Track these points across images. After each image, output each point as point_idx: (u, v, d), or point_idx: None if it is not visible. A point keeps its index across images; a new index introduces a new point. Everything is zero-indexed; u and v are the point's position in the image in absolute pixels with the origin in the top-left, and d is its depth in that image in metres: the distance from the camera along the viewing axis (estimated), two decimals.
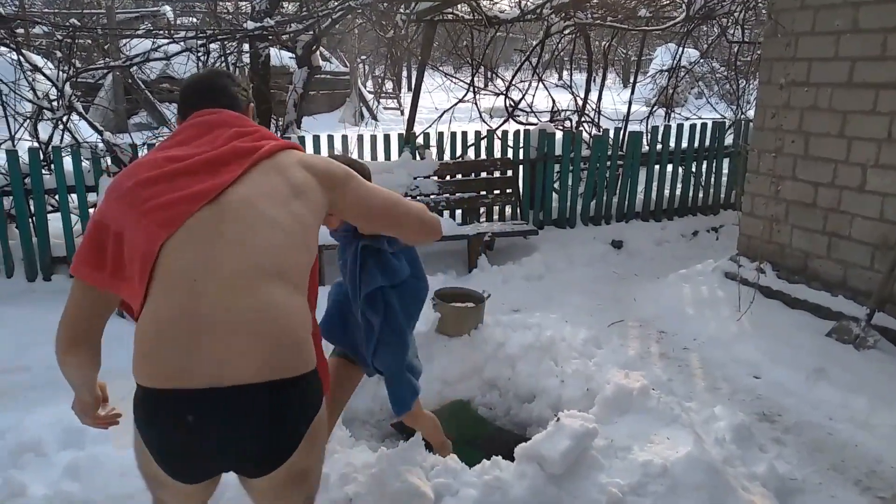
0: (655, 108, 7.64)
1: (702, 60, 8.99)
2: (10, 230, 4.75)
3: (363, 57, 16.47)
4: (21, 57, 4.65)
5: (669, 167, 6.55)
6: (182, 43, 4.85)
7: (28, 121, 4.98)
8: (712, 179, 6.73)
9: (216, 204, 1.49)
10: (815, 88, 4.22)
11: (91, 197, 4.81)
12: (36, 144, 4.83)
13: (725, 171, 6.82)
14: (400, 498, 2.21)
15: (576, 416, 2.45)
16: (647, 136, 6.60)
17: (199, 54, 4.93)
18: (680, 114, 8.37)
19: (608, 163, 6.16)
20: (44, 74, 4.83)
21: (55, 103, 4.80)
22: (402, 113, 16.51)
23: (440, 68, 7.28)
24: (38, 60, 5.04)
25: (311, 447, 1.52)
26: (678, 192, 6.62)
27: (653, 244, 6.03)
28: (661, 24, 6.59)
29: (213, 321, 1.38)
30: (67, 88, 4.68)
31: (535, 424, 3.12)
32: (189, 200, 1.48)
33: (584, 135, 6.36)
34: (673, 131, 6.46)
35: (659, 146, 6.42)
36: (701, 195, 6.72)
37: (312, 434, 1.51)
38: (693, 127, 6.57)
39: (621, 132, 6.42)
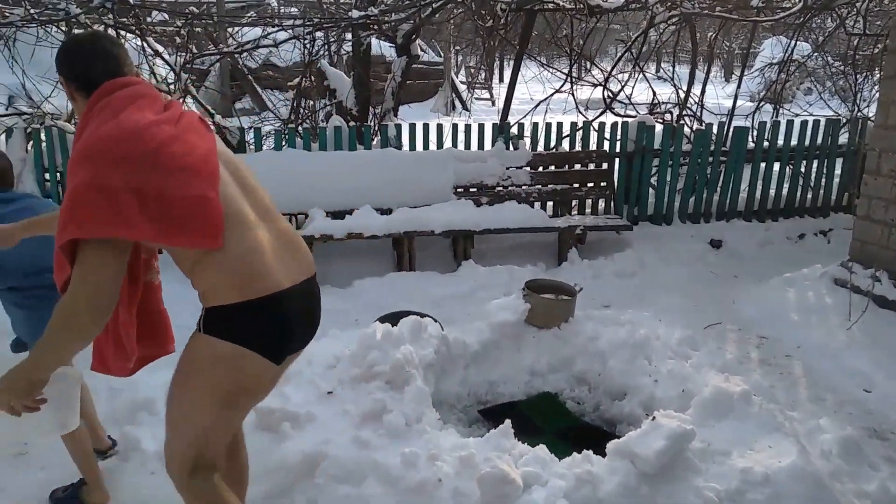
0: (762, 103, 7.26)
1: (815, 54, 8.47)
2: None
3: (457, 47, 16.52)
4: (145, 43, 4.97)
5: (776, 165, 6.22)
6: (290, 31, 5.04)
7: None
8: (822, 180, 6.34)
9: (220, 157, 1.75)
10: None
11: None
12: None
13: (838, 171, 6.41)
14: (489, 482, 2.22)
15: (672, 417, 2.38)
16: (753, 132, 6.28)
17: (306, 42, 5.10)
18: (789, 110, 7.91)
19: (710, 158, 5.92)
20: (164, 60, 5.14)
21: (172, 87, 5.09)
22: (493, 103, 16.46)
23: (537, 58, 7.20)
24: (158, 47, 5.35)
25: None
26: (784, 191, 6.27)
27: (755, 245, 5.75)
28: (774, 15, 6.24)
29: (289, 238, 1.83)
30: (183, 73, 4.96)
31: (626, 422, 3.06)
32: (211, 155, 1.71)
33: (686, 129, 6.13)
34: (782, 128, 6.13)
35: (766, 143, 6.10)
36: (809, 196, 6.35)
37: None
38: (804, 124, 6.20)
39: (725, 127, 6.15)
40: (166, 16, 6.26)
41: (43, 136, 4.81)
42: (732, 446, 2.46)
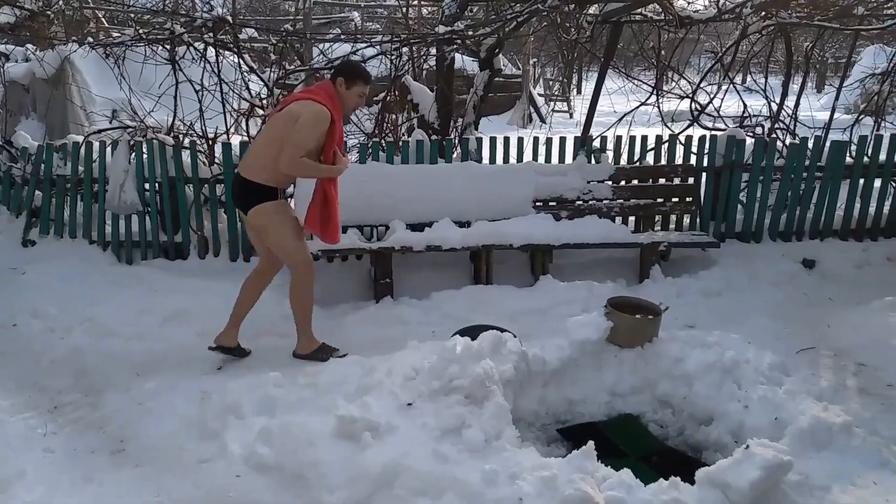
0: (862, 116, 6.86)
1: None
2: (220, 215, 5.33)
3: (534, 60, 16.48)
4: (241, 59, 5.21)
5: (877, 182, 5.85)
6: (378, 47, 5.16)
7: (241, 117, 5.55)
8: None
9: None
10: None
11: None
12: (246, 138, 5.37)
13: None
14: None
15: (767, 446, 2.27)
16: (851, 146, 5.94)
17: (393, 57, 5.22)
18: (892, 123, 7.44)
19: (804, 174, 5.64)
20: (258, 76, 5.37)
21: (265, 102, 5.31)
22: (571, 116, 16.29)
23: (621, 70, 7.07)
24: (253, 64, 5.60)
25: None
26: (885, 210, 5.89)
27: (852, 266, 5.42)
28: (881, 23, 5.89)
29: None
30: (276, 89, 5.16)
31: (713, 449, 2.95)
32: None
33: (778, 143, 5.86)
34: (885, 142, 5.77)
35: (866, 158, 5.76)
36: None
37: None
38: None
39: (821, 141, 5.85)
40: (255, 33, 6.55)
41: (144, 149, 5.11)
42: (833, 481, 2.32)
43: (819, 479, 2.30)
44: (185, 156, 5.13)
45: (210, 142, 5.42)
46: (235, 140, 5.35)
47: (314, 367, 3.46)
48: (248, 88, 5.43)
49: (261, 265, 3.95)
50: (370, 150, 5.29)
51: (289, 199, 4.00)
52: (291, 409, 3.10)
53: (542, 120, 14.72)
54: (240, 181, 3.63)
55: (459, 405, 2.76)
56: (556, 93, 18.06)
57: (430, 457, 2.55)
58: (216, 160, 5.32)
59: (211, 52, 5.27)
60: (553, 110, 16.61)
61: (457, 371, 2.92)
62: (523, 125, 14.02)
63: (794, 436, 2.53)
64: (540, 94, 17.14)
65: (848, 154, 5.82)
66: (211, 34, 5.10)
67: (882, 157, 5.77)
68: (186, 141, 5.25)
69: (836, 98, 6.88)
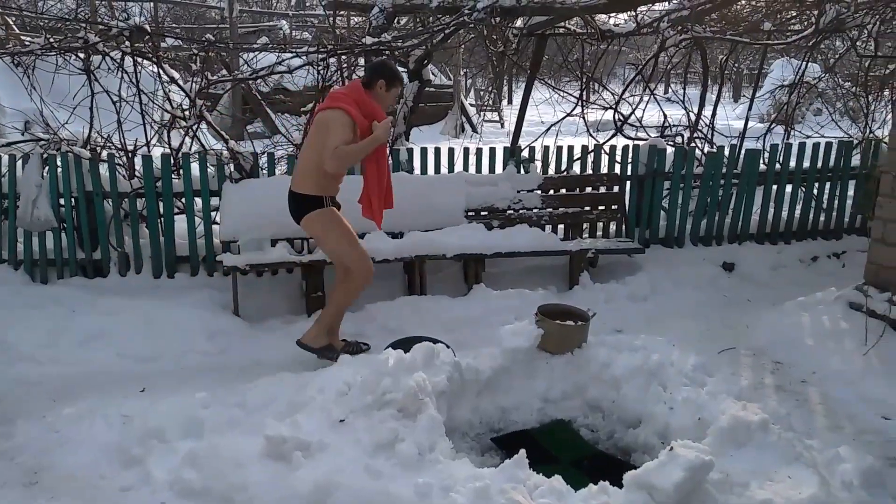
0: (773, 124, 7.24)
1: (825, 76, 8.46)
2: (141, 230, 5.13)
3: (465, 70, 16.66)
4: (161, 69, 5.04)
5: (788, 187, 6.19)
6: (304, 57, 5.10)
7: (162, 129, 5.37)
8: (835, 202, 6.30)
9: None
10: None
11: (214, 201, 5.11)
12: (167, 151, 5.20)
13: (850, 193, 6.37)
14: None
15: (690, 447, 2.35)
16: (764, 154, 6.27)
17: (320, 68, 5.16)
18: (800, 131, 7.89)
19: (722, 181, 5.90)
20: (179, 86, 5.20)
21: (187, 113, 5.15)
22: (503, 126, 16.54)
23: (548, 81, 7.23)
24: (174, 73, 5.43)
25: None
26: (797, 214, 6.24)
27: (768, 268, 5.71)
28: (785, 38, 6.25)
29: None
30: (198, 99, 5.01)
31: (641, 451, 3.03)
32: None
33: (697, 151, 6.12)
34: (794, 150, 6.11)
35: (778, 165, 6.08)
36: (822, 218, 6.31)
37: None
38: (816, 146, 6.18)
39: (737, 149, 6.14)
40: (180, 41, 6.36)
41: (59, 163, 4.88)
42: (751, 477, 2.42)
43: (739, 477, 2.40)
44: (104, 169, 4.91)
45: (130, 154, 5.21)
46: (157, 152, 5.17)
47: (242, 386, 3.36)
48: (168, 99, 5.26)
49: (338, 273, 4.06)
50: None
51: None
52: (219, 431, 3.00)
53: (475, 129, 14.87)
54: (290, 195, 3.87)
55: (392, 419, 2.74)
56: (488, 103, 18.30)
57: (363, 473, 2.52)
58: (136, 173, 5.12)
59: (129, 61, 5.07)
60: (484, 120, 16.83)
61: (389, 384, 2.90)
62: (456, 135, 14.13)
63: (715, 435, 2.63)
64: (471, 105, 17.32)
65: (761, 161, 6.14)
66: (128, 43, 4.91)
67: (792, 163, 6.11)
68: (104, 154, 5.03)
69: (750, 108, 7.23)
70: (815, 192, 6.21)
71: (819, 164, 6.17)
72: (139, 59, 5.16)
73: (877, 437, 3.26)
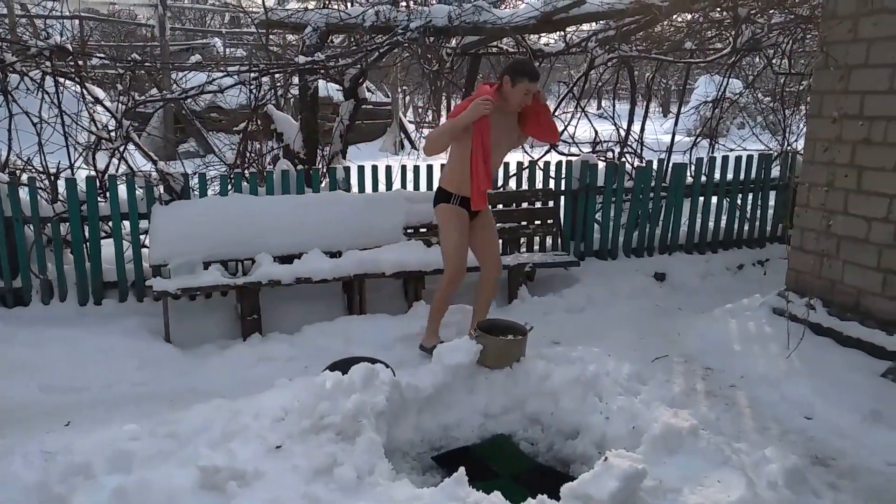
0: (699, 139, 7.56)
1: (746, 91, 8.90)
2: (65, 255, 4.92)
3: (405, 88, 16.75)
4: (84, 89, 4.87)
5: (714, 199, 6.46)
6: (235, 76, 5.02)
7: (87, 151, 5.18)
8: (758, 212, 6.61)
9: None
10: (869, 122, 4.13)
11: (143, 224, 4.95)
12: (93, 173, 5.02)
13: (772, 203, 6.69)
14: None
15: (624, 456, 2.40)
16: (691, 167, 6.53)
17: (252, 87, 5.09)
18: (724, 145, 8.26)
19: (651, 194, 6.11)
20: (104, 107, 5.04)
21: (113, 134, 4.99)
22: None
23: None
24: (99, 93, 5.25)
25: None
26: (723, 224, 6.52)
27: (697, 277, 5.92)
28: (706, 57, 6.55)
29: None
30: (125, 120, 4.87)
31: (580, 462, 3.07)
32: None
33: (627, 166, 6.33)
34: (718, 163, 6.39)
35: (703, 178, 6.34)
36: (746, 228, 6.61)
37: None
38: (738, 158, 6.48)
39: (664, 163, 6.38)
40: (102, 61, 6.17)
41: None
42: (683, 483, 2.49)
43: (671, 483, 2.46)
44: (24, 193, 4.70)
45: (52, 177, 5.01)
46: (82, 175, 4.98)
47: (174, 416, 3.25)
48: (93, 120, 5.08)
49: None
50: (232, 182, 5.12)
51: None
52: (150, 464, 2.89)
53: (414, 146, 14.94)
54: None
55: (331, 443, 2.70)
56: (427, 119, 18.41)
57: (301, 500, 2.46)
58: (60, 197, 4.92)
59: (50, 81, 4.89)
60: (423, 137, 16.91)
61: (327, 408, 2.85)
62: (395, 151, 14.16)
63: (648, 443, 2.70)
64: (410, 122, 17.40)
65: (688, 174, 6.39)
66: (49, 63, 4.73)
67: (717, 176, 6.38)
68: (24, 177, 4.81)
69: (676, 123, 7.53)
70: (739, 202, 6.50)
71: (742, 176, 6.46)
72: (61, 80, 4.98)
73: (799, 436, 3.41)
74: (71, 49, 4.71)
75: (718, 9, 6.21)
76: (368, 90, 11.00)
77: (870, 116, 4.13)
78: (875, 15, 4.05)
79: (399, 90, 16.07)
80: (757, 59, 8.68)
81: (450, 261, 4.11)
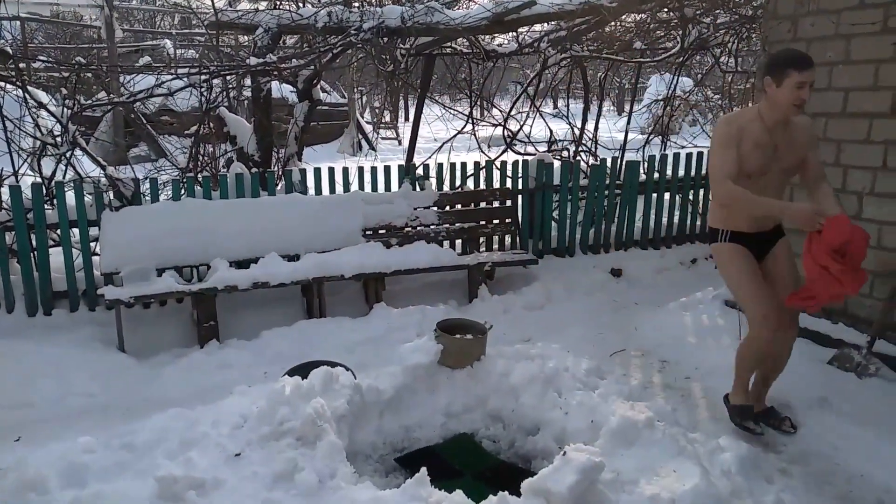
0: (652, 136, 7.73)
1: (696, 89, 9.14)
2: (12, 265, 4.75)
3: (361, 88, 16.68)
4: (26, 94, 4.71)
5: (667, 195, 6.61)
6: (185, 79, 4.93)
7: (31, 157, 5.02)
8: (710, 207, 6.77)
9: None
10: (811, 118, 4.28)
11: (93, 231, 4.82)
12: (39, 180, 4.86)
13: None
14: None
15: (582, 450, 2.44)
16: (644, 164, 6.67)
17: (203, 89, 5.01)
18: (676, 142, 8.46)
19: (606, 192, 6.22)
20: (48, 111, 4.88)
21: (59, 139, 4.84)
22: (400, 143, 16.64)
23: (439, 100, 7.38)
24: (43, 97, 5.09)
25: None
26: (676, 219, 6.67)
27: (652, 272, 6.05)
28: (655, 56, 6.70)
29: None
30: (71, 124, 4.73)
31: (541, 457, 3.11)
32: None
33: (582, 164, 6.42)
34: (670, 160, 6.53)
35: (656, 174, 6.48)
36: (699, 223, 6.78)
37: None
38: (690, 155, 6.64)
39: (618, 161, 6.50)
40: (51, 63, 5.98)
41: None
42: (640, 474, 2.55)
43: (629, 474, 2.52)
44: None
45: None
46: (27, 182, 4.82)
47: (130, 426, 3.18)
48: (38, 125, 4.92)
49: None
50: (185, 186, 5.02)
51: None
52: (106, 477, 2.82)
53: (372, 147, 14.88)
54: None
55: (291, 448, 2.68)
56: (384, 120, 18.37)
57: None
58: (4, 205, 4.76)
59: None
60: (381, 137, 16.86)
61: (287, 413, 2.83)
62: (353, 153, 14.08)
63: (606, 436, 2.75)
64: (368, 122, 17.33)
65: (641, 171, 6.52)
66: None
67: (669, 172, 6.53)
68: None
69: (629, 121, 7.67)
70: (691, 198, 6.66)
71: (693, 173, 6.62)
72: (1, 84, 4.81)
73: None
74: (11, 52, 4.54)
75: (666, 10, 6.35)
76: (324, 91, 10.92)
77: (811, 113, 4.27)
78: (812, 16, 4.21)
79: (355, 91, 15.99)
80: (706, 58, 8.92)
81: (746, 299, 3.20)
